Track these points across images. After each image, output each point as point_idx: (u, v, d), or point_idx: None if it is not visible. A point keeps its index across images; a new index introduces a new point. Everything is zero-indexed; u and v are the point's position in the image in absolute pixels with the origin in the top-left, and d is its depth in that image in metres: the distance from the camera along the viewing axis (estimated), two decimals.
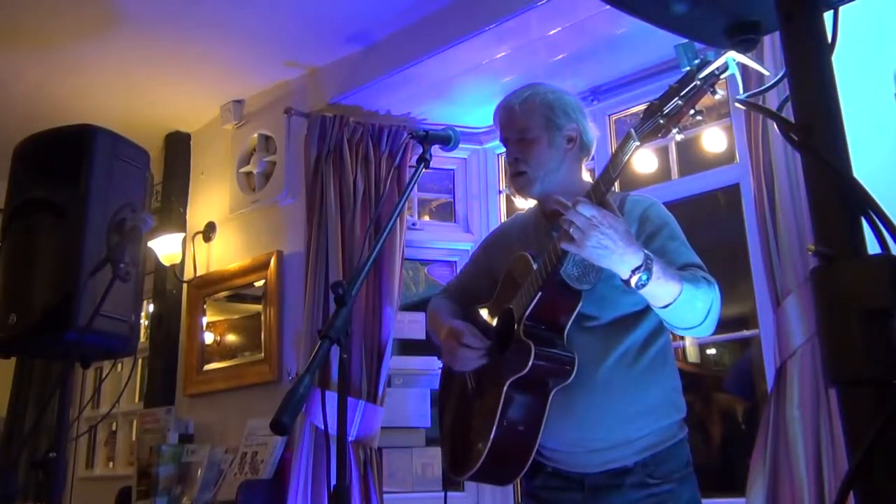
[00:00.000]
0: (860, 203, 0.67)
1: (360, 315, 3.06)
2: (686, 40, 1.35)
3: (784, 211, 2.20)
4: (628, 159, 1.52)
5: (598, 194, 1.53)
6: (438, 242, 3.52)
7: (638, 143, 1.49)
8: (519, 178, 1.82)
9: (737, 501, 2.33)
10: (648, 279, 1.47)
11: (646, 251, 1.49)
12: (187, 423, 3.64)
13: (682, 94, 1.41)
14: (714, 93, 1.41)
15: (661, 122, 1.44)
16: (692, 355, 4.65)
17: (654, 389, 1.71)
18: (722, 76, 1.39)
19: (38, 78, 3.55)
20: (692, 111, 1.43)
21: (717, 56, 1.36)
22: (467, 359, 1.79)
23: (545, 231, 1.83)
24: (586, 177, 1.93)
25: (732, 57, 1.34)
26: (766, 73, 1.61)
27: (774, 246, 2.23)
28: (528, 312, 1.66)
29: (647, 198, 1.83)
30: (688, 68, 1.39)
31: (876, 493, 0.62)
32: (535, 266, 1.70)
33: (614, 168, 1.53)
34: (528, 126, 1.81)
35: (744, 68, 2.36)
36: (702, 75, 1.39)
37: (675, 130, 1.45)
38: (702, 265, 1.68)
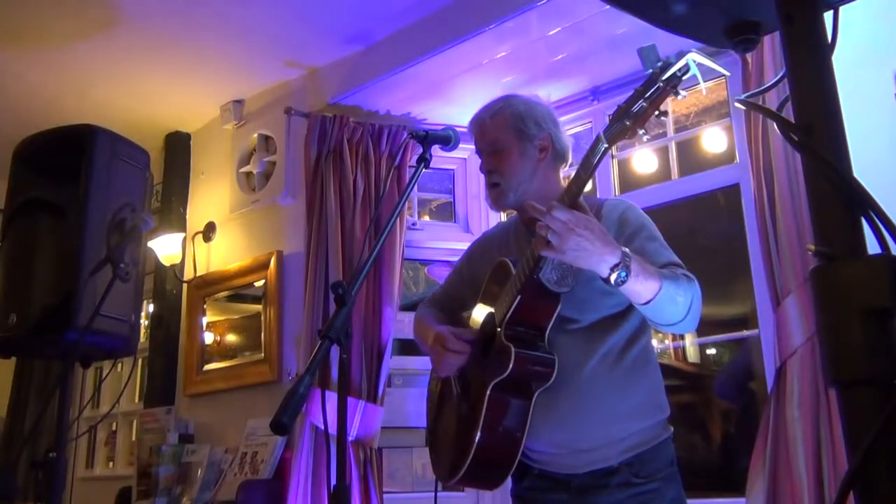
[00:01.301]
0: (860, 203, 0.67)
1: (360, 315, 3.06)
2: (649, 44, 1.40)
3: (784, 211, 2.20)
4: (598, 161, 1.55)
5: (570, 197, 1.55)
6: (438, 242, 3.52)
7: (607, 146, 1.52)
8: (493, 190, 1.85)
9: (737, 501, 2.34)
10: (627, 276, 1.48)
11: (624, 249, 1.51)
12: (187, 423, 3.64)
13: (646, 96, 1.45)
14: (677, 94, 1.45)
15: (628, 123, 1.48)
16: (692, 355, 4.65)
17: (636, 390, 1.73)
18: (684, 77, 1.43)
19: (38, 78, 3.55)
20: (657, 112, 1.46)
21: (679, 58, 1.41)
22: (453, 362, 1.81)
23: (524, 237, 1.85)
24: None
25: (693, 58, 1.40)
26: (726, 73, 1.66)
27: (774, 246, 2.23)
28: (508, 316, 1.68)
29: (624, 201, 1.87)
30: (651, 71, 1.44)
31: (876, 493, 0.62)
32: (514, 271, 1.72)
33: (585, 170, 1.56)
34: (498, 138, 1.85)
35: (744, 69, 2.37)
36: (664, 77, 1.43)
37: (641, 132, 1.49)
38: (681, 264, 1.70)
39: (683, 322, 1.61)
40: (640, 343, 1.76)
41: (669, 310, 1.58)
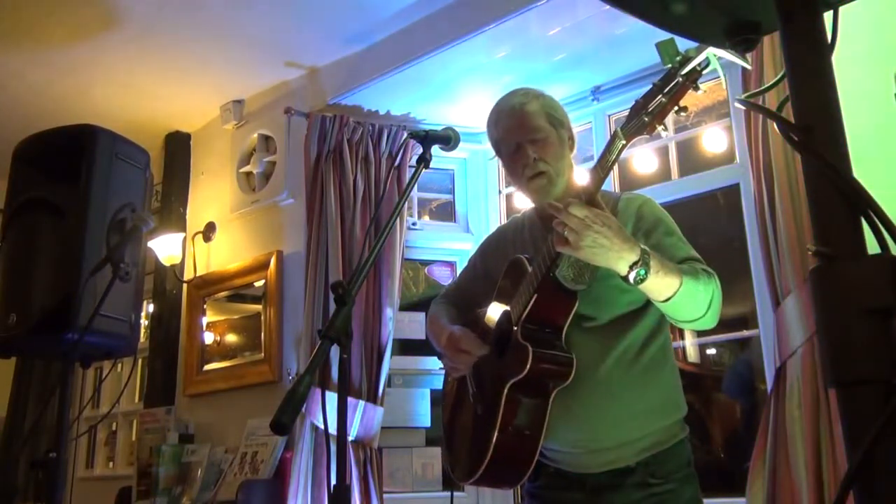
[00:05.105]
0: (860, 203, 0.67)
1: (360, 315, 3.06)
2: (667, 38, 1.36)
3: (784, 211, 2.20)
4: (616, 158, 1.52)
5: (588, 194, 1.53)
6: (438, 242, 3.53)
7: (624, 142, 1.49)
8: (540, 179, 1.76)
9: (737, 501, 2.33)
10: (647, 274, 1.46)
11: (642, 246, 1.49)
12: (187, 423, 3.64)
13: (665, 91, 1.42)
14: (696, 89, 1.41)
15: (646, 119, 1.45)
16: (692, 355, 4.65)
17: (654, 389, 1.71)
18: (704, 72, 1.39)
19: (38, 78, 3.55)
20: (676, 108, 1.43)
21: (699, 52, 1.36)
22: (467, 364, 1.80)
23: (540, 233, 1.83)
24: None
25: (713, 52, 1.34)
26: (748, 66, 1.62)
27: (774, 246, 2.23)
28: (524, 315, 1.66)
29: (641, 196, 1.84)
30: (669, 65, 1.40)
31: (876, 493, 0.62)
32: (530, 269, 1.70)
33: (603, 167, 1.54)
34: (538, 126, 1.78)
35: (742, 69, 2.37)
36: (683, 72, 1.39)
37: (660, 128, 1.46)
38: (700, 259, 1.67)
39: (704, 318, 1.58)
40: (657, 341, 1.74)
41: (690, 306, 1.56)
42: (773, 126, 1.61)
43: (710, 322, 1.60)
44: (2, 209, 2.18)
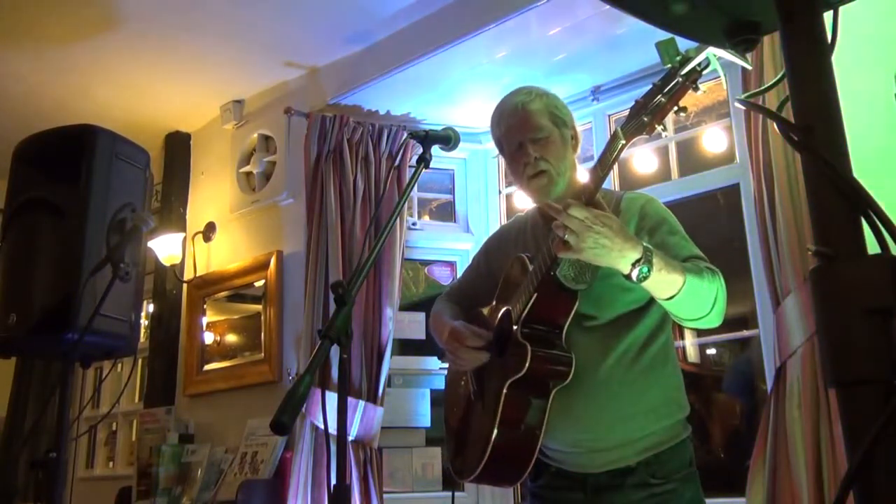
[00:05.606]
0: (860, 203, 0.67)
1: (360, 315, 3.06)
2: (667, 37, 1.35)
3: (784, 211, 2.20)
4: (615, 158, 1.51)
5: (588, 194, 1.52)
6: (438, 242, 3.53)
7: (624, 142, 1.48)
8: (541, 178, 1.76)
9: (736, 501, 2.34)
10: (650, 271, 1.46)
11: (645, 244, 1.49)
12: (187, 423, 3.64)
13: (664, 91, 1.41)
14: (696, 89, 1.41)
15: (646, 119, 1.44)
16: (692, 355, 4.65)
17: (655, 388, 1.71)
18: (704, 72, 1.39)
19: (38, 78, 3.55)
20: (675, 108, 1.43)
21: (699, 52, 1.36)
22: (469, 359, 1.80)
23: (543, 232, 1.83)
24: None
25: (713, 52, 1.32)
26: (748, 66, 1.61)
27: (774, 246, 2.23)
28: (524, 314, 1.66)
29: (644, 195, 1.84)
30: (669, 65, 1.39)
31: (876, 493, 0.62)
32: (531, 268, 1.70)
33: (602, 167, 1.53)
34: (541, 125, 1.77)
35: (742, 69, 2.36)
36: (683, 72, 1.39)
37: (660, 128, 1.45)
38: (704, 257, 1.67)
39: (709, 316, 1.58)
40: (659, 340, 1.73)
41: (694, 304, 1.55)
42: (773, 126, 1.60)
43: (715, 320, 1.60)
44: (2, 209, 2.18)
